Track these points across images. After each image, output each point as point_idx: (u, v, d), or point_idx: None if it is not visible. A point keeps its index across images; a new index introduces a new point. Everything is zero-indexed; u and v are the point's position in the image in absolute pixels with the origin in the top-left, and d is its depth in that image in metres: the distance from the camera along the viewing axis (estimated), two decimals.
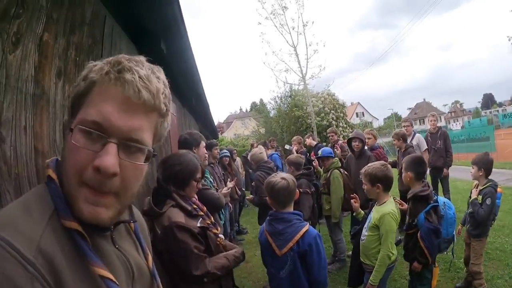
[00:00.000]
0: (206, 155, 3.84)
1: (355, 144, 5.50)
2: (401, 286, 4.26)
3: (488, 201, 3.62)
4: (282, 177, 2.60)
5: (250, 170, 6.16)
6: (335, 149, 6.33)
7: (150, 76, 0.76)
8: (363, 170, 3.20)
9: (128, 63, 0.74)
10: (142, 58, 0.80)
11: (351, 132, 8.87)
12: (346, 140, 6.49)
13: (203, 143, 3.62)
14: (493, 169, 3.85)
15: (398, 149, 6.40)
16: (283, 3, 14.58)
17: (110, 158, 0.71)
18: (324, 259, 2.45)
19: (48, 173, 0.77)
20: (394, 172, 3.70)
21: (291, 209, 2.59)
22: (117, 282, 0.74)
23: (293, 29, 14.71)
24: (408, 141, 6.53)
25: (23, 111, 1.25)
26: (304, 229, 2.44)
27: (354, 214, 3.72)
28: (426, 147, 6.60)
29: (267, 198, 2.72)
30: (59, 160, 0.82)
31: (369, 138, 6.09)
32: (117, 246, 0.84)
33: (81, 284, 0.69)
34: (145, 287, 0.93)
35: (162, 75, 0.82)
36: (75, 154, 0.71)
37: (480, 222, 3.71)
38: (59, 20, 1.58)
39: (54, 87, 1.52)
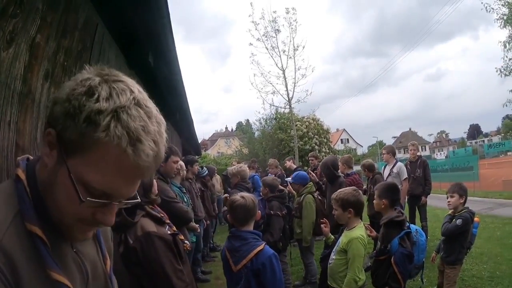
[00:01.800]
0: (177, 169, 3.90)
1: (318, 171, 5.64)
2: None
3: (458, 222, 3.67)
4: (242, 196, 2.67)
5: (229, 189, 6.21)
6: (310, 175, 6.39)
7: (159, 137, 0.76)
8: (334, 196, 3.24)
9: (141, 124, 0.71)
10: (152, 107, 0.78)
11: None
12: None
13: (173, 158, 3.68)
14: (475, 198, 3.99)
15: (367, 177, 6.59)
16: (277, 26, 14.90)
17: (112, 217, 0.80)
18: (279, 280, 2.46)
19: (17, 173, 0.79)
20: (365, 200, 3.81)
21: (250, 228, 2.65)
22: (71, 287, 0.76)
23: (283, 52, 15.00)
24: (389, 169, 6.71)
25: (9, 107, 1.31)
26: (258, 248, 2.48)
27: (324, 239, 3.75)
28: (406, 176, 6.65)
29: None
30: (30, 159, 0.86)
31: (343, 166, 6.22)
32: (75, 250, 0.87)
33: (39, 282, 0.72)
34: None
35: (163, 121, 0.81)
36: (74, 202, 0.73)
37: (444, 235, 3.82)
38: (53, 23, 1.65)
39: (40, 88, 1.58)
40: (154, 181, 2.43)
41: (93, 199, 0.73)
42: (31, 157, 0.87)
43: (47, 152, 0.75)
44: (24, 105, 1.43)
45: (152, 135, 0.72)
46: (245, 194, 2.74)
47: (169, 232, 2.22)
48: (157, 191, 2.45)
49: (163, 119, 0.80)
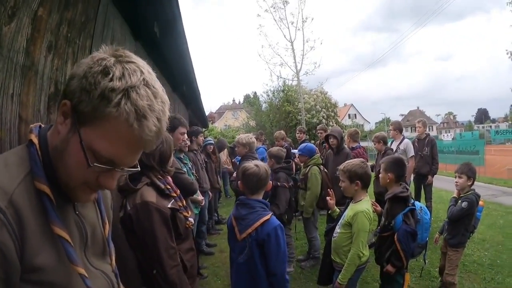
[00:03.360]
0: (184, 140, 3.90)
1: (331, 140, 5.58)
2: None
3: (464, 204, 3.66)
4: (256, 164, 2.64)
5: (236, 159, 6.22)
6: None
7: (162, 115, 0.84)
8: (341, 167, 3.17)
9: (148, 103, 0.80)
10: (158, 85, 0.86)
11: None
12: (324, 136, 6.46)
13: (180, 129, 3.66)
14: (480, 184, 3.95)
15: (377, 152, 6.45)
16: None
17: (114, 182, 0.90)
18: (283, 253, 2.44)
19: (31, 138, 0.87)
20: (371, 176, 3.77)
21: (259, 197, 2.62)
22: (71, 243, 0.85)
23: (292, 24, 14.76)
24: (396, 145, 6.62)
25: (12, 80, 1.32)
26: (265, 218, 2.46)
27: (329, 212, 3.72)
28: (413, 153, 6.56)
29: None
30: (42, 126, 0.93)
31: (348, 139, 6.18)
32: (77, 213, 0.96)
33: (41, 238, 0.80)
34: (97, 252, 1.03)
35: (167, 101, 0.89)
36: (83, 167, 0.82)
37: (450, 219, 3.80)
38: None
39: (43, 60, 1.58)
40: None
41: (99, 165, 0.82)
42: (43, 125, 0.94)
43: (61, 121, 0.84)
44: (27, 78, 1.44)
45: (156, 113, 0.81)
46: (259, 162, 2.70)
47: (170, 206, 2.16)
48: (173, 164, 2.42)
49: (167, 99, 0.88)
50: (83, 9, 2.01)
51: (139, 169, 0.93)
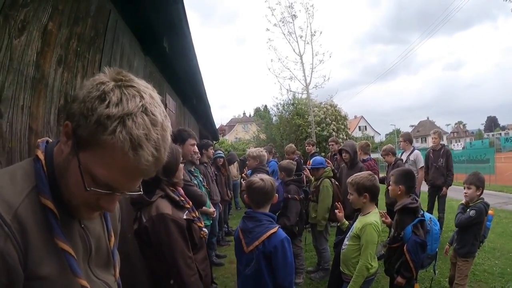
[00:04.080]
0: (194, 152, 3.93)
1: (344, 155, 5.54)
2: None
3: (472, 213, 3.60)
4: (261, 178, 2.63)
5: (247, 172, 6.21)
6: (327, 163, 6.31)
7: (162, 143, 0.83)
8: (349, 179, 3.16)
9: (144, 132, 0.78)
10: (159, 106, 0.85)
11: None
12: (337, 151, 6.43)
13: (190, 141, 3.70)
14: (491, 192, 3.87)
15: (387, 164, 6.37)
16: (293, 11, 14.68)
17: (114, 205, 0.91)
18: (290, 265, 2.43)
19: (37, 154, 0.89)
20: (382, 188, 3.74)
21: (265, 210, 2.62)
22: (75, 256, 0.87)
23: (300, 37, 14.82)
24: (406, 156, 6.54)
25: (22, 92, 1.37)
26: (272, 231, 2.45)
27: (338, 225, 3.69)
28: (422, 164, 6.47)
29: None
30: (49, 141, 0.95)
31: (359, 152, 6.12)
32: (82, 226, 0.97)
33: (45, 250, 0.82)
34: (101, 263, 1.05)
35: (169, 127, 0.88)
36: (82, 192, 0.82)
37: (457, 227, 3.76)
38: (64, 11, 1.69)
39: (53, 73, 1.63)
40: (181, 166, 2.41)
41: (97, 189, 0.82)
42: (50, 140, 0.96)
43: (64, 141, 0.84)
44: (38, 90, 1.49)
45: (153, 142, 0.80)
46: (264, 176, 2.69)
47: (185, 217, 2.19)
48: (182, 176, 2.44)
49: (168, 125, 0.86)
50: (93, 24, 2.07)
51: (141, 192, 0.94)
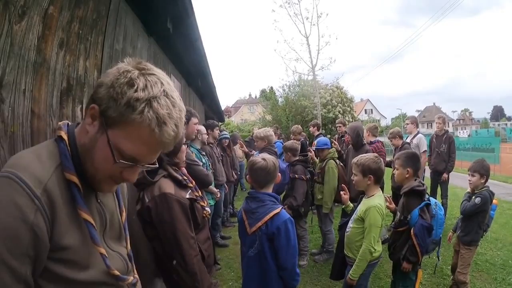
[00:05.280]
0: (197, 131, 3.95)
1: (346, 137, 5.50)
2: (385, 284, 4.25)
3: (477, 200, 3.59)
4: (263, 157, 2.61)
5: (253, 152, 6.20)
6: (333, 144, 6.28)
7: (179, 121, 0.97)
8: (355, 160, 3.14)
9: (167, 112, 0.92)
10: (176, 93, 0.98)
11: None
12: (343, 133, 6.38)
13: (193, 120, 3.70)
14: (495, 182, 3.82)
15: (394, 147, 6.34)
16: None
17: (135, 176, 1.04)
18: (293, 247, 2.40)
19: (60, 134, 0.99)
20: (389, 171, 3.72)
21: (269, 190, 2.59)
22: (95, 227, 0.99)
23: (306, 19, 14.61)
24: (409, 140, 6.51)
25: (23, 76, 1.37)
26: (275, 211, 2.42)
27: (343, 207, 3.67)
28: (425, 148, 6.46)
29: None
30: (70, 124, 1.05)
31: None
32: (99, 201, 1.09)
33: (68, 222, 0.93)
34: (114, 236, 1.16)
35: (184, 108, 1.01)
36: (109, 162, 0.95)
37: (463, 214, 3.75)
38: None
39: (55, 57, 1.62)
40: (184, 147, 2.40)
41: (124, 161, 0.94)
42: (70, 123, 1.06)
43: (89, 122, 0.95)
44: (39, 74, 1.48)
45: (174, 120, 0.94)
46: (266, 156, 2.66)
47: (188, 196, 2.19)
48: (184, 158, 2.42)
49: (183, 107, 1.00)
50: (94, 7, 2.05)
51: (157, 165, 1.09)
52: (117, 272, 1.06)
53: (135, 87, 0.89)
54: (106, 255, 1.02)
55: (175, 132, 0.95)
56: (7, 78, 1.27)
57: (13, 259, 0.80)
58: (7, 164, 0.89)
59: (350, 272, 2.94)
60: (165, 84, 0.94)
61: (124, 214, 1.23)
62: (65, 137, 0.99)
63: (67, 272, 0.93)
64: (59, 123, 1.04)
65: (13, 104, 1.31)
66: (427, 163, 6.96)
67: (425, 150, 6.47)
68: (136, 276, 1.23)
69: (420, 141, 6.46)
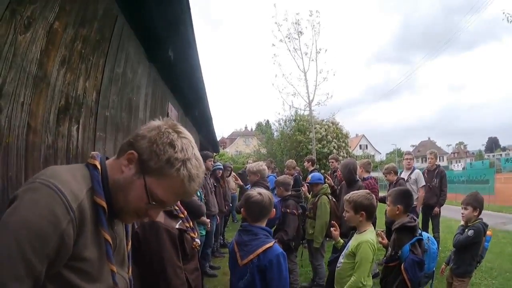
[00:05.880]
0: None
1: (338, 173, 5.53)
2: None
3: (470, 233, 3.59)
4: (259, 192, 2.62)
5: (246, 187, 6.21)
6: (326, 180, 6.31)
7: (202, 177, 1.18)
8: (347, 197, 3.14)
9: (196, 172, 1.13)
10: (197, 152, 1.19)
11: None
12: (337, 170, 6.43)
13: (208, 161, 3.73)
14: (490, 212, 3.84)
15: (389, 183, 6.36)
16: (299, 28, 14.79)
17: (158, 214, 1.22)
18: (285, 280, 2.40)
19: (95, 163, 1.12)
20: (383, 207, 3.70)
21: (262, 224, 2.60)
22: (112, 247, 1.12)
23: (305, 54, 14.91)
24: (407, 175, 6.56)
25: (23, 89, 1.37)
26: (267, 245, 2.43)
27: (333, 243, 3.67)
28: (424, 183, 6.49)
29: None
30: (103, 156, 1.19)
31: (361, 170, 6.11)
32: (113, 229, 1.20)
33: (92, 238, 1.05)
34: (119, 261, 1.25)
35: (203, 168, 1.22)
36: (142, 202, 1.11)
37: (455, 247, 3.73)
38: (71, 12, 1.70)
39: (56, 73, 1.63)
40: None
41: (155, 203, 1.12)
42: (100, 155, 1.19)
43: (125, 164, 1.12)
44: (39, 88, 1.49)
45: (199, 178, 1.15)
46: (262, 190, 2.68)
47: (177, 227, 2.18)
48: None
49: (204, 166, 1.21)
50: (99, 28, 2.09)
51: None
52: None
53: (175, 148, 1.09)
54: (116, 273, 1.15)
55: (199, 186, 1.17)
56: (7, 88, 1.27)
57: (34, 257, 0.89)
58: (44, 174, 1.00)
59: None
60: (194, 148, 1.16)
61: (129, 244, 1.36)
62: (99, 166, 1.12)
63: (78, 282, 1.02)
64: (92, 152, 1.18)
65: (10, 115, 1.30)
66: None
67: (424, 185, 6.50)
68: None
69: (418, 176, 6.53)
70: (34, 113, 1.47)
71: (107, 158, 1.23)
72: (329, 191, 5.37)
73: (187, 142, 1.14)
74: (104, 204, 1.07)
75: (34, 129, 1.47)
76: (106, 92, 2.46)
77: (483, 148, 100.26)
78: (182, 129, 1.17)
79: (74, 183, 1.02)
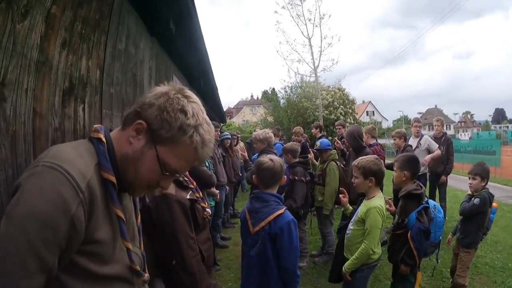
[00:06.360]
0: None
1: (343, 140, 5.51)
2: (385, 287, 4.24)
3: (476, 201, 3.60)
4: (270, 158, 2.63)
5: (252, 159, 6.23)
6: (336, 143, 6.31)
7: (212, 138, 1.15)
8: (355, 162, 3.13)
9: (208, 137, 1.10)
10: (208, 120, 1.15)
11: None
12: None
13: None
14: (495, 184, 3.81)
15: (396, 148, 6.34)
16: None
17: (169, 184, 1.18)
18: (295, 248, 2.41)
19: (99, 137, 1.06)
20: (390, 174, 3.72)
21: (273, 191, 2.61)
22: (126, 223, 1.10)
23: (309, 20, 14.65)
24: (417, 142, 6.49)
25: (26, 75, 1.37)
26: (278, 212, 2.44)
27: (342, 210, 3.67)
28: (437, 145, 6.37)
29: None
30: (106, 128, 1.13)
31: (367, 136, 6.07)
32: (122, 203, 1.15)
33: (103, 217, 1.01)
34: (130, 237, 1.20)
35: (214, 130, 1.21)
36: (154, 173, 1.08)
37: (462, 215, 3.77)
38: None
39: (58, 56, 1.63)
40: None
41: (169, 174, 1.10)
42: (103, 127, 1.13)
43: (133, 135, 1.07)
44: (42, 73, 1.49)
45: (212, 142, 1.14)
46: (274, 157, 2.69)
47: (188, 197, 2.17)
48: None
49: (213, 130, 1.18)
50: (98, 6, 2.06)
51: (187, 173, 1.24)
52: (138, 267, 1.16)
53: (187, 114, 1.05)
54: (131, 250, 1.13)
55: (212, 151, 1.16)
56: (10, 76, 1.28)
57: (45, 250, 0.85)
58: (47, 155, 0.93)
59: (345, 264, 2.98)
60: (204, 113, 1.12)
61: (139, 217, 1.33)
62: (104, 140, 1.07)
63: (92, 266, 0.99)
64: (95, 125, 1.11)
65: (15, 103, 1.31)
66: None
67: (438, 146, 6.42)
68: (148, 275, 1.28)
69: (429, 142, 6.42)
70: (39, 98, 1.48)
71: (110, 130, 1.17)
72: (337, 157, 5.35)
73: (197, 106, 1.10)
74: (113, 179, 1.03)
75: (40, 114, 1.48)
76: (110, 69, 2.45)
77: (490, 119, 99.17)
78: (190, 93, 1.13)
79: (80, 160, 0.96)
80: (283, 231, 2.38)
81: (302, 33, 14.87)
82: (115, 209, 1.05)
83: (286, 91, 18.08)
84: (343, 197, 3.48)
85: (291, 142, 5.59)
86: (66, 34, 1.69)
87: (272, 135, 5.28)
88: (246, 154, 6.65)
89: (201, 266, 2.13)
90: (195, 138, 1.06)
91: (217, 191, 4.70)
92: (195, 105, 1.09)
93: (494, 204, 3.77)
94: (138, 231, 1.31)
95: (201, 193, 2.37)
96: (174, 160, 1.07)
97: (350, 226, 3.15)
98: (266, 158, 2.63)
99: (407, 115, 70.02)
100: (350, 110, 16.68)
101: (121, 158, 1.07)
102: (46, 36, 1.50)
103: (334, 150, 5.46)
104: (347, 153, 5.84)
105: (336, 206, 5.43)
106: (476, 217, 3.68)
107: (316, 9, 14.65)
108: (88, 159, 1.00)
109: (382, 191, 3.21)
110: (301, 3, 14.59)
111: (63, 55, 1.69)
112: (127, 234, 1.10)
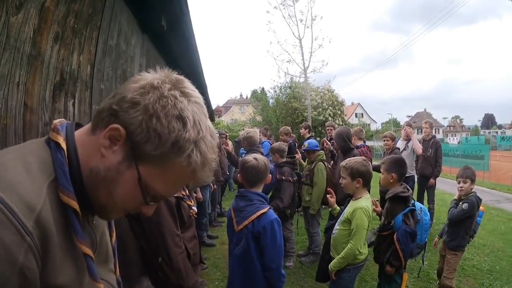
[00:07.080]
0: None
1: (332, 141, 5.58)
2: (372, 287, 4.31)
3: (464, 206, 3.65)
4: (255, 157, 2.66)
5: (238, 154, 6.24)
6: (325, 144, 6.37)
7: (215, 153, 0.83)
8: (343, 163, 3.17)
9: (212, 156, 0.80)
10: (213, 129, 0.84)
11: None
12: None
13: None
14: (484, 189, 3.88)
15: (386, 150, 6.45)
16: None
17: (153, 209, 0.86)
18: (279, 247, 2.44)
19: (57, 140, 0.77)
20: (377, 175, 3.77)
21: (258, 190, 2.64)
22: (94, 260, 0.80)
23: (301, 21, 14.75)
24: (405, 144, 6.67)
25: (18, 69, 1.37)
26: (262, 211, 2.46)
27: (330, 210, 3.73)
28: (421, 147, 6.54)
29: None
30: (68, 124, 0.83)
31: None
32: (91, 224, 0.90)
33: (64, 256, 0.73)
34: (101, 260, 0.96)
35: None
36: (134, 200, 0.80)
37: (450, 221, 3.80)
38: None
39: (50, 50, 1.62)
40: None
41: (154, 202, 0.82)
42: (67, 123, 0.84)
43: (107, 145, 0.76)
44: (33, 67, 1.48)
45: (213, 157, 0.82)
46: (258, 156, 2.71)
47: (174, 195, 2.17)
48: None
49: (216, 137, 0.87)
50: (91, 2, 2.05)
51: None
52: None
53: (186, 124, 0.74)
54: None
55: (212, 171, 0.82)
56: (2, 70, 1.27)
57: None
58: None
59: (331, 263, 3.03)
60: (207, 117, 0.82)
61: (114, 235, 1.03)
62: (63, 145, 0.76)
63: None
64: (55, 121, 0.81)
65: (6, 96, 1.31)
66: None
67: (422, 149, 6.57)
68: None
69: (415, 143, 6.57)
70: (30, 91, 1.47)
71: (78, 126, 0.87)
72: (325, 158, 5.42)
73: (199, 109, 0.79)
74: (75, 204, 0.74)
75: (31, 108, 1.48)
76: (100, 65, 2.44)
77: (479, 124, 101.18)
78: (190, 87, 0.82)
79: (26, 181, 0.67)
80: (266, 230, 2.40)
81: (293, 33, 14.99)
82: (80, 245, 0.76)
83: (275, 91, 18.19)
84: (331, 197, 3.53)
85: (279, 142, 5.64)
86: (59, 28, 1.68)
87: (256, 133, 5.33)
88: (229, 147, 6.66)
89: (187, 263, 2.14)
90: (194, 158, 0.75)
91: (200, 196, 4.70)
92: (197, 107, 0.78)
93: (481, 208, 3.83)
94: (113, 251, 1.02)
95: (187, 191, 2.39)
96: (161, 185, 0.79)
97: (337, 226, 3.19)
98: (250, 157, 2.67)
99: (396, 118, 70.94)
100: (339, 112, 16.82)
101: (89, 174, 0.78)
102: (39, 30, 1.49)
103: (322, 151, 5.51)
104: (336, 154, 5.90)
105: (323, 206, 5.49)
106: (464, 221, 3.74)
107: (308, 10, 14.81)
108: (38, 176, 0.70)
109: (369, 193, 3.25)
110: (294, 3, 14.68)
111: (55, 49, 1.68)
112: (96, 273, 0.80)
